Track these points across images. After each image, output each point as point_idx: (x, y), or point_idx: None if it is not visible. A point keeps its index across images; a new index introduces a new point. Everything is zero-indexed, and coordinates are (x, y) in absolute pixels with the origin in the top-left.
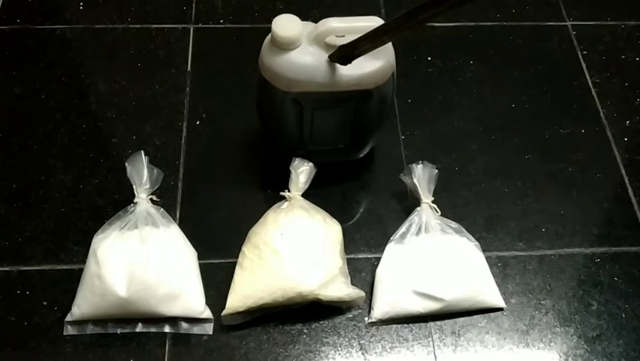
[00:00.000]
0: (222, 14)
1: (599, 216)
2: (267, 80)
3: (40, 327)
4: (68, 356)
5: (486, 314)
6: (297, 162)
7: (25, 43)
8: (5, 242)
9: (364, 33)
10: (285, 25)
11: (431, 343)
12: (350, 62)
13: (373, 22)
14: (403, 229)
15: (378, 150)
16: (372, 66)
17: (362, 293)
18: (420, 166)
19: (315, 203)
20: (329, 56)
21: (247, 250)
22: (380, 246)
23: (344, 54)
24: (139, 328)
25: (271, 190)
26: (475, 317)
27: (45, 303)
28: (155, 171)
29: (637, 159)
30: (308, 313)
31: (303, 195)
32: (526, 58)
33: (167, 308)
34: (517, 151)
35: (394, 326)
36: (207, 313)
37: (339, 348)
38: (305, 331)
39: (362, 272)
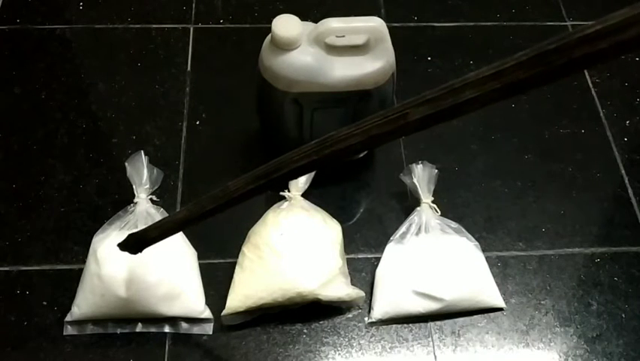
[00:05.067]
0: (222, 14)
1: (599, 216)
2: (266, 80)
3: (40, 327)
4: (68, 356)
5: (486, 314)
6: None
7: (25, 44)
8: (5, 242)
9: (155, 223)
10: (285, 25)
11: (431, 343)
12: (140, 251)
13: (373, 22)
14: (402, 228)
15: (378, 150)
16: (372, 66)
17: (362, 293)
18: (420, 166)
19: (315, 203)
20: (118, 245)
21: (247, 250)
22: (380, 246)
23: (135, 244)
24: (139, 328)
25: (271, 190)
26: (475, 317)
27: (45, 303)
28: (155, 171)
29: (637, 159)
30: (308, 313)
31: (303, 195)
32: None
33: (167, 308)
34: (517, 151)
35: (394, 326)
36: (207, 314)
37: (339, 348)
38: (305, 331)
39: (362, 272)
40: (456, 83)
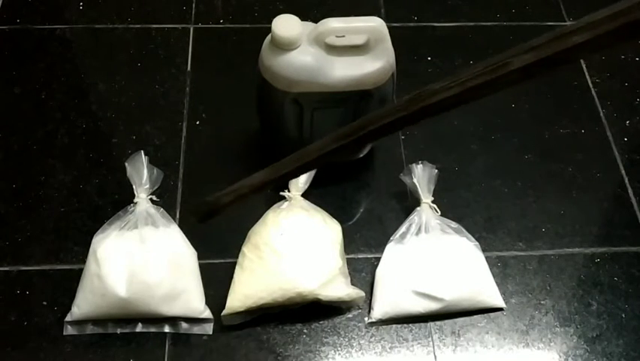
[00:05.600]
0: (222, 14)
1: (599, 216)
2: (267, 81)
3: (40, 327)
4: (68, 356)
5: (486, 314)
6: None
7: (25, 44)
8: (5, 242)
9: (230, 187)
10: (285, 25)
11: (431, 343)
12: (211, 218)
13: (373, 22)
14: (402, 229)
15: (378, 150)
16: (372, 66)
17: (362, 293)
18: (420, 166)
19: (315, 203)
20: (187, 209)
21: (247, 250)
22: (380, 246)
23: (206, 210)
24: (139, 328)
25: (271, 190)
26: (475, 317)
27: (45, 303)
28: (155, 171)
29: (637, 159)
30: (308, 313)
31: (303, 195)
32: None
33: (167, 308)
34: (517, 151)
35: (394, 326)
36: (207, 314)
37: (339, 348)
38: (305, 331)
39: (362, 272)
40: (565, 28)
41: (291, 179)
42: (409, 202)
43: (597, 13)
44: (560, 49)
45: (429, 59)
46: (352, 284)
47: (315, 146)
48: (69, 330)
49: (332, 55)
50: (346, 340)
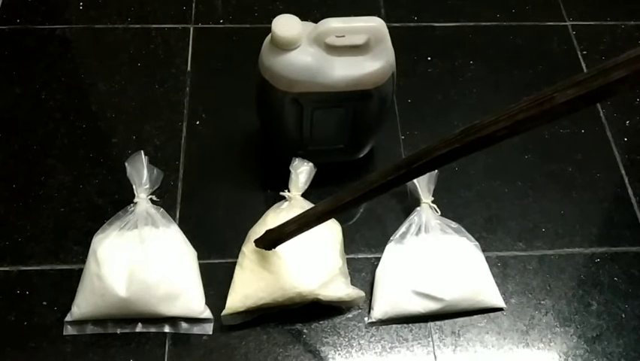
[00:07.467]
0: (222, 14)
1: (598, 216)
2: (267, 81)
3: (40, 327)
4: (68, 356)
5: (486, 314)
6: (297, 162)
7: (25, 43)
8: (5, 242)
9: (293, 217)
10: (285, 25)
11: (431, 343)
12: (275, 247)
13: (373, 22)
14: (402, 228)
15: (378, 150)
16: (372, 66)
17: (362, 293)
18: None
19: (315, 203)
20: (254, 241)
21: (247, 249)
22: (380, 246)
23: (272, 238)
24: (139, 328)
25: (271, 190)
26: (475, 317)
27: (45, 303)
28: (155, 171)
29: (637, 159)
30: (308, 313)
31: (303, 195)
32: (526, 58)
33: (167, 308)
34: (517, 151)
35: (394, 326)
36: (207, 314)
37: (339, 348)
38: (305, 331)
39: (362, 272)
40: (607, 64)
41: (351, 209)
42: (408, 202)
43: (636, 49)
44: (601, 84)
45: (429, 59)
46: (352, 284)
47: (373, 176)
48: (69, 330)
49: (332, 55)
50: (346, 340)
